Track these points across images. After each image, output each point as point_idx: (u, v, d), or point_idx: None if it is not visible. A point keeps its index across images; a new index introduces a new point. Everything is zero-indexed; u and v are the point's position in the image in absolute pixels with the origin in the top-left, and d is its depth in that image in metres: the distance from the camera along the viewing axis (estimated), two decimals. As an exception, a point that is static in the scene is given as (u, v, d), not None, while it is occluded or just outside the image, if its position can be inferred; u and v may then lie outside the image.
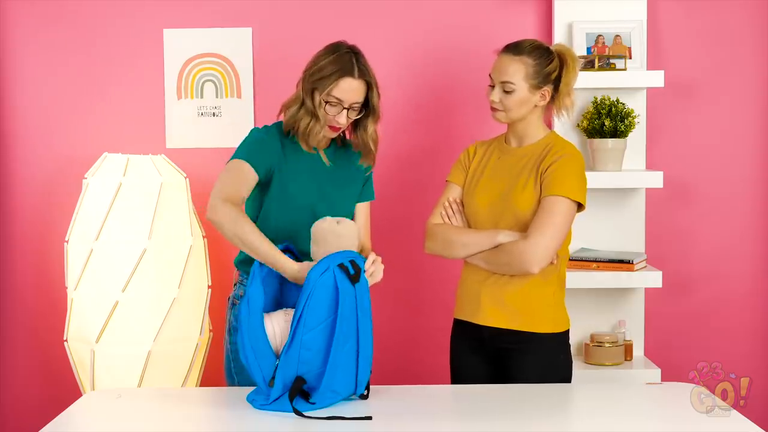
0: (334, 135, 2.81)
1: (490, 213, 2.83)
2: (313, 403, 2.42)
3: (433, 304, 3.85)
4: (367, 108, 2.79)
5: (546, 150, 2.81)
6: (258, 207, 2.83)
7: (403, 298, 3.89)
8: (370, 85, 2.75)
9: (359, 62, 2.74)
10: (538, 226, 2.71)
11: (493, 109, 2.84)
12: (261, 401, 2.45)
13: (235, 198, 2.64)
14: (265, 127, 2.86)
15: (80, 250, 3.48)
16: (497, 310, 2.81)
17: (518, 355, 2.80)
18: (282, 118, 2.83)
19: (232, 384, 2.87)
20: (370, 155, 2.87)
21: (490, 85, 2.84)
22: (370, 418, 2.36)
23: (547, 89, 2.82)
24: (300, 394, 2.43)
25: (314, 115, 2.74)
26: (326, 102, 2.72)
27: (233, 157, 2.75)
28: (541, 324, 2.80)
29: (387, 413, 2.41)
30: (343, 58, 2.73)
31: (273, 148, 2.78)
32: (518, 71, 2.78)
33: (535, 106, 2.83)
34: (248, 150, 2.76)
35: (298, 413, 2.36)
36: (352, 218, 2.91)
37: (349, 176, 2.90)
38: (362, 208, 2.95)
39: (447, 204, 2.91)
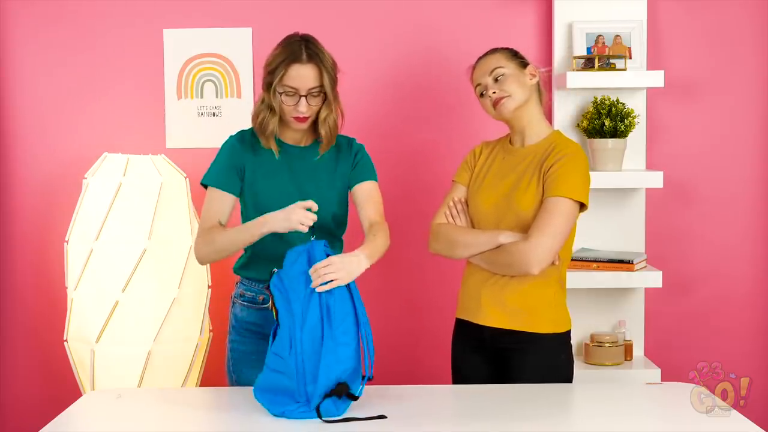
0: (303, 126, 2.77)
1: (493, 213, 2.82)
2: (356, 398, 2.41)
3: (435, 304, 3.85)
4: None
5: (549, 149, 2.81)
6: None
7: (404, 298, 3.89)
8: (321, 70, 2.71)
9: (308, 48, 2.71)
10: (539, 226, 2.70)
11: (497, 101, 2.82)
12: (301, 409, 2.39)
13: (208, 230, 2.75)
14: (240, 132, 2.86)
15: (80, 250, 3.48)
16: (498, 311, 2.80)
17: (519, 355, 2.80)
18: None
19: (231, 382, 2.87)
20: (326, 142, 2.80)
21: (480, 94, 2.85)
22: (384, 416, 2.37)
23: (532, 68, 2.85)
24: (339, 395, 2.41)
25: (271, 109, 2.74)
26: (282, 93, 2.71)
27: (204, 180, 2.81)
28: (542, 324, 2.79)
29: (387, 413, 2.41)
30: (292, 46, 2.71)
31: (238, 157, 2.79)
32: (500, 58, 2.84)
33: (530, 88, 2.84)
34: (215, 173, 2.81)
35: (326, 421, 2.37)
36: (340, 210, 2.88)
37: (332, 168, 2.85)
38: (360, 189, 2.85)
39: (451, 204, 2.91)
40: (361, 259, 2.56)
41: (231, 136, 2.85)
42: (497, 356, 2.84)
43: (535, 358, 2.78)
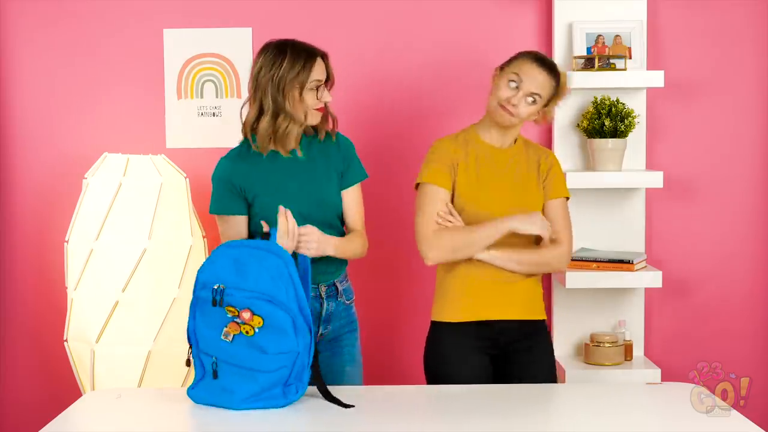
0: (320, 115, 2.84)
1: (507, 214, 2.85)
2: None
3: (429, 305, 3.84)
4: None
5: (538, 153, 2.97)
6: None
7: (399, 297, 3.89)
8: (327, 61, 2.84)
9: (309, 45, 2.81)
10: (562, 230, 2.90)
11: (504, 108, 2.84)
12: (290, 394, 2.47)
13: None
14: (227, 154, 2.87)
15: (80, 250, 3.48)
16: (508, 304, 2.90)
17: (525, 345, 2.90)
18: (246, 135, 2.85)
19: None
20: (326, 124, 2.89)
21: (511, 82, 2.85)
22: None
23: (553, 105, 2.95)
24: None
25: (291, 116, 2.77)
26: (310, 89, 2.78)
27: (211, 210, 2.86)
28: (540, 311, 2.96)
29: (382, 413, 2.41)
30: (295, 48, 2.78)
31: (234, 177, 2.82)
32: (549, 90, 2.88)
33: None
34: (218, 200, 2.84)
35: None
36: (340, 206, 2.91)
37: (327, 166, 2.88)
38: (351, 192, 2.92)
39: (444, 210, 2.87)
40: (329, 242, 2.74)
41: (221, 159, 2.86)
42: (504, 351, 2.91)
43: (538, 346, 2.92)
